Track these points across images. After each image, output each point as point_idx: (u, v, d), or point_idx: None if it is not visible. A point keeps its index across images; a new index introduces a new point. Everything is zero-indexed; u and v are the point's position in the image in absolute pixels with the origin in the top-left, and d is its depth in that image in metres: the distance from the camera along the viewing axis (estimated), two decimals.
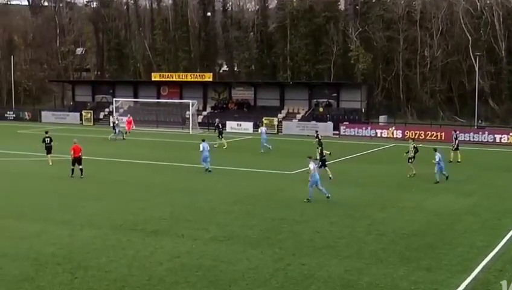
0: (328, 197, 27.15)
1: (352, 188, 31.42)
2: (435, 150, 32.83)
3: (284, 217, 24.48)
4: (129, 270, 17.91)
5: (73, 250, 19.89)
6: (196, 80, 71.21)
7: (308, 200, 27.04)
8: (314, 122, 62.33)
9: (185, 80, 71.58)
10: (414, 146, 35.50)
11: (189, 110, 65.04)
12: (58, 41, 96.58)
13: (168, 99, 71.65)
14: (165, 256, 19.27)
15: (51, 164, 38.28)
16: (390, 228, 22.77)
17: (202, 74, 74.08)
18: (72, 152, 34.22)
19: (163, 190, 30.65)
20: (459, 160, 40.60)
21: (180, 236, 21.61)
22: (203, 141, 36.49)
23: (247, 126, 63.29)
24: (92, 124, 71.23)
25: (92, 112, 72.92)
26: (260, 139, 47.30)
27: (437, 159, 32.26)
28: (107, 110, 73.83)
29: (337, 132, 59.68)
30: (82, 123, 71.62)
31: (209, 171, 35.81)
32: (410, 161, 35.07)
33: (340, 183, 31.91)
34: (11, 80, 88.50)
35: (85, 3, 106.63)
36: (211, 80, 71.20)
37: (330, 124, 61.10)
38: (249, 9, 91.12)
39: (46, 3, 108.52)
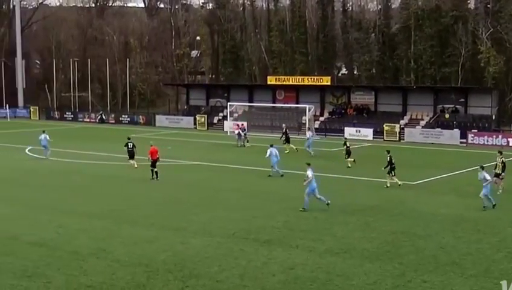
0: (328, 204, 27.44)
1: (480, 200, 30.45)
2: (482, 168, 28.63)
3: (405, 231, 24.06)
4: (241, 281, 18.13)
5: (185, 258, 20.36)
6: (313, 83, 71.16)
7: (303, 209, 27.20)
8: (439, 129, 61.03)
9: (302, 83, 71.70)
10: (503, 161, 32.08)
11: (305, 116, 65.06)
12: (173, 43, 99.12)
13: (284, 103, 71.89)
14: (278, 267, 19.38)
15: (136, 166, 39.44)
16: None
17: (320, 77, 73.91)
18: (150, 155, 36.05)
19: (278, 198, 30.82)
20: None
21: (294, 247, 21.68)
22: (271, 146, 37.22)
23: (367, 133, 62.66)
24: (206, 128, 72.53)
25: (206, 116, 74.23)
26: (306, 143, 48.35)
27: (480, 177, 28.39)
28: (221, 114, 75.04)
29: (465, 140, 58.02)
30: (196, 128, 73.09)
31: (281, 175, 36.92)
32: (500, 177, 31.78)
33: (466, 195, 31.07)
34: (126, 83, 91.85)
35: (201, 4, 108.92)
36: (329, 83, 70.90)
37: (457, 132, 59.52)
38: (371, 9, 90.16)
39: (162, 5, 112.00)
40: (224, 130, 68.68)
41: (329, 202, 27.39)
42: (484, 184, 28.15)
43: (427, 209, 27.47)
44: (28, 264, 19.73)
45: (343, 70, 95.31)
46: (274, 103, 73.49)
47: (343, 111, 70.48)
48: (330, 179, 36.40)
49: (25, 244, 22.00)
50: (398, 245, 22.04)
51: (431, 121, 64.86)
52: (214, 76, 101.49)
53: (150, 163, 36.22)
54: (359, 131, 63.42)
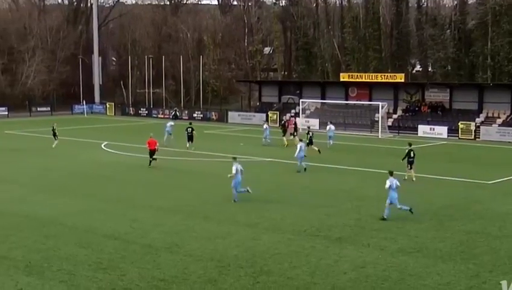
0: (247, 190, 28.33)
1: None
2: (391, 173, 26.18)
3: (480, 231, 23.62)
4: (312, 278, 18.14)
5: (256, 254, 20.49)
6: (387, 80, 70.38)
7: (235, 201, 28.16)
8: None
9: (375, 80, 70.98)
10: None
11: (378, 113, 64.45)
12: (246, 40, 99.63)
13: (357, 100, 71.39)
14: (349, 265, 19.31)
15: (192, 149, 45.51)
16: None
17: (393, 74, 73.06)
18: (148, 145, 39.99)
19: (350, 196, 30.66)
20: None
21: (365, 245, 21.55)
22: (301, 140, 38.82)
23: (441, 130, 61.58)
24: (278, 125, 72.55)
25: (278, 113, 74.32)
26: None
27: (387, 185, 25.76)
28: (293, 111, 74.95)
29: None
30: (268, 125, 73.14)
31: (304, 169, 37.38)
32: None
33: None
34: (200, 80, 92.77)
35: (274, 1, 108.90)
36: (402, 80, 69.98)
37: None
38: (446, 5, 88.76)
39: (235, 3, 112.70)
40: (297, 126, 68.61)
41: (249, 190, 28.47)
42: None
43: (503, 209, 26.88)
44: (103, 257, 20.21)
45: (418, 67, 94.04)
46: (347, 100, 72.94)
47: (416, 108, 69.39)
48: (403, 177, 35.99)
49: (101, 237, 22.51)
50: (473, 245, 21.65)
51: (508, 120, 63.21)
52: (286, 73, 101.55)
53: (149, 153, 39.79)
54: (433, 129, 62.38)
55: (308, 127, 50.92)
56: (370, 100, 70.31)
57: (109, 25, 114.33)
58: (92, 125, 71.64)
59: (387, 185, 25.35)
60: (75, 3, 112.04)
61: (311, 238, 22.42)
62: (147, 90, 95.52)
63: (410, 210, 25.59)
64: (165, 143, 47.75)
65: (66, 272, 18.69)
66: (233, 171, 27.78)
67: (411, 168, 35.43)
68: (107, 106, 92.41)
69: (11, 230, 23.72)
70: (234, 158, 28.85)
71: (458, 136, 59.97)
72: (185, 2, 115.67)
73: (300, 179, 35.47)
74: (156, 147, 40.03)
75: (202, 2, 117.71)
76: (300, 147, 37.32)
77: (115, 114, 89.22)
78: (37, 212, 26.77)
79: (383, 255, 20.45)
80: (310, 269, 18.95)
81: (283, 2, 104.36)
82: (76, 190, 32.21)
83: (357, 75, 73.70)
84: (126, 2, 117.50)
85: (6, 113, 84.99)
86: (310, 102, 72.71)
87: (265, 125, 54.00)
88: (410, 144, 37.26)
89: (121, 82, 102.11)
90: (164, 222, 24.91)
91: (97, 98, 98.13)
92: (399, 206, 25.37)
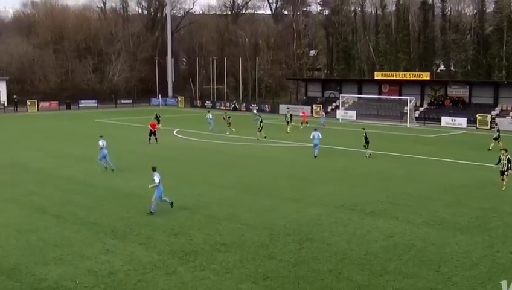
0: (171, 204, 22.40)
1: None
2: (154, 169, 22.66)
3: (495, 208, 23.15)
4: (348, 245, 18.10)
5: (302, 224, 20.51)
6: (414, 78, 69.52)
7: (151, 213, 21.73)
8: None
9: (404, 78, 70.13)
10: (508, 158, 26.74)
11: (407, 106, 63.69)
12: (294, 44, 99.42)
13: (388, 95, 70.68)
14: (380, 235, 19.20)
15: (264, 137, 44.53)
16: None
17: (420, 73, 72.17)
18: (150, 126, 42.74)
19: (381, 176, 30.38)
20: None
21: (394, 218, 21.38)
22: (315, 130, 37.18)
23: (461, 122, 60.55)
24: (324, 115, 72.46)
25: (321, 105, 74.10)
26: None
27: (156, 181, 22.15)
28: (334, 104, 74.69)
29: None
30: (312, 115, 73.02)
31: (315, 156, 35.97)
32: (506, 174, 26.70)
33: None
34: (255, 78, 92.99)
35: (318, 11, 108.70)
36: (428, 78, 69.06)
37: None
38: (467, 14, 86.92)
39: (286, 12, 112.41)
40: (337, 117, 68.31)
41: (172, 201, 22.53)
42: None
43: None
44: (175, 224, 20.49)
45: (441, 67, 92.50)
46: (380, 95, 72.24)
47: (440, 102, 68.33)
48: (429, 162, 35.57)
49: (174, 208, 22.71)
50: (488, 220, 21.27)
51: None
52: (328, 72, 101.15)
53: (149, 132, 42.41)
54: (454, 120, 61.37)
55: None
56: (400, 95, 69.50)
57: (180, 32, 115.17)
58: (166, 115, 72.33)
59: (156, 181, 21.86)
60: (153, 13, 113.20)
61: (348, 212, 22.34)
62: (211, 86, 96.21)
63: (171, 204, 22.36)
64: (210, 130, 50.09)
65: (144, 236, 19.03)
66: (156, 181, 21.88)
67: (368, 147, 36.82)
68: (179, 99, 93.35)
69: (101, 201, 24.22)
70: (154, 168, 22.43)
71: (476, 127, 58.88)
72: (243, 12, 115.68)
73: (336, 162, 35.31)
74: (157, 128, 43.18)
75: (258, 12, 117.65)
76: (313, 135, 36.54)
77: (184, 106, 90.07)
78: (122, 187, 27.27)
79: (410, 226, 20.26)
80: (347, 238, 18.91)
81: (326, 11, 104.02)
82: None
83: (389, 74, 72.92)
84: (195, 12, 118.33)
85: (96, 104, 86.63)
86: (348, 96, 72.37)
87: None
88: (363, 128, 38.43)
89: (190, 79, 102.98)
90: (224, 197, 25.10)
91: (170, 93, 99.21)
92: (164, 198, 22.11)
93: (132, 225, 20.40)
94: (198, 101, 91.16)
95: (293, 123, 53.40)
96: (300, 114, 59.26)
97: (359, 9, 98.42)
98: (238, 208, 22.92)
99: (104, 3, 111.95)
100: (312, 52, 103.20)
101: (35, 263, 16.45)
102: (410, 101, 63.30)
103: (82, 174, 30.64)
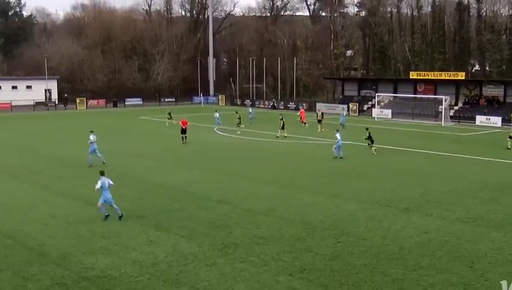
0: (120, 217, 20.17)
1: None
2: (102, 173, 20.70)
3: None
4: (383, 240, 17.93)
5: (338, 219, 20.40)
6: (450, 78, 68.37)
7: (105, 218, 20.17)
8: None
9: (440, 78, 69.06)
10: None
11: (442, 105, 62.70)
12: (331, 44, 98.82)
13: (423, 95, 69.71)
14: (414, 231, 18.96)
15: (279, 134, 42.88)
16: None
17: (455, 73, 70.86)
18: (181, 124, 41.81)
19: (416, 173, 29.97)
20: None
21: (429, 215, 21.08)
22: (337, 131, 35.66)
23: (496, 120, 59.27)
24: (357, 114, 71.86)
25: (357, 104, 73.62)
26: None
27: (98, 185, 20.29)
28: (370, 103, 74.05)
29: None
30: (349, 114, 72.55)
31: (334, 157, 34.41)
32: None
33: None
34: (293, 77, 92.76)
35: (355, 12, 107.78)
36: (463, 78, 67.83)
37: None
38: (503, 14, 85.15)
39: (323, 14, 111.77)
40: (372, 115, 67.72)
41: (121, 215, 20.23)
42: None
43: None
44: (216, 217, 20.60)
45: (476, 67, 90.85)
46: (415, 94, 71.27)
47: (475, 101, 67.08)
48: (464, 160, 34.98)
49: (214, 202, 22.93)
50: None
51: None
52: (364, 71, 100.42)
53: (181, 130, 41.45)
54: (489, 119, 60.12)
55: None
56: (435, 94, 68.47)
57: (222, 33, 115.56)
58: (207, 113, 72.75)
59: (98, 186, 20.09)
60: (195, 15, 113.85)
61: (383, 208, 22.12)
62: (250, 85, 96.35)
63: (120, 217, 20.16)
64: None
65: (186, 229, 19.17)
66: (97, 186, 20.02)
67: (372, 145, 36.17)
68: (219, 97, 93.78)
69: (146, 194, 24.51)
70: (102, 173, 20.48)
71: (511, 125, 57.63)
72: (282, 13, 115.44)
73: (374, 159, 34.96)
74: (187, 126, 41.70)
75: (296, 14, 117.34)
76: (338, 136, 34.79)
77: (225, 104, 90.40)
78: (166, 181, 27.52)
79: (444, 223, 19.95)
80: (382, 233, 18.73)
81: (363, 13, 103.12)
82: (195, 164, 32.90)
83: (424, 74, 71.95)
84: (235, 14, 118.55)
85: (141, 102, 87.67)
86: (384, 95, 71.62)
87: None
88: (367, 128, 37.51)
89: (231, 78, 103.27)
90: (262, 191, 25.12)
91: (211, 91, 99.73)
92: (115, 206, 20.25)
93: (175, 218, 20.58)
94: (238, 100, 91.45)
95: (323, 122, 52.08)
96: (298, 113, 56.54)
97: (395, 10, 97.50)
98: (276, 202, 22.90)
99: (149, 6, 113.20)
100: (349, 53, 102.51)
101: (83, 253, 16.74)
102: (445, 100, 62.32)
103: (129, 168, 31.05)
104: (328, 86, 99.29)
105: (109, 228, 19.28)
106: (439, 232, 18.85)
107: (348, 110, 73.03)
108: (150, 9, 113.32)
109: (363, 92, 78.44)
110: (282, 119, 45.65)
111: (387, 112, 67.29)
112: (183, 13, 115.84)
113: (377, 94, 70.84)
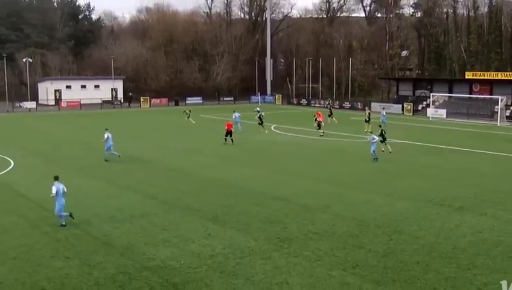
0: (70, 214, 19.12)
1: None
2: (56, 178, 19.35)
3: None
4: (436, 239, 17.57)
5: (391, 217, 20.11)
6: (506, 78, 66.16)
7: (63, 226, 18.81)
8: None
9: (496, 78, 67.02)
10: None
11: (498, 105, 60.86)
12: (387, 45, 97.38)
13: (479, 95, 67.81)
14: (468, 230, 18.49)
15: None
16: None
17: None
18: (226, 126, 39.77)
19: (471, 173, 29.21)
20: None
21: (483, 214, 20.50)
22: (371, 133, 34.86)
23: None
24: (411, 114, 70.60)
25: (412, 104, 72.32)
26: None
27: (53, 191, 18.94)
28: (424, 103, 72.63)
29: None
30: (403, 113, 71.39)
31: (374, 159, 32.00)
32: None
33: None
34: (349, 77, 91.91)
35: (411, 13, 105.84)
36: None
37: None
38: None
39: (379, 15, 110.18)
40: (427, 115, 66.38)
41: (70, 213, 19.14)
42: None
43: None
44: (271, 213, 20.63)
45: None
46: (470, 94, 69.41)
47: None
48: None
49: (269, 198, 22.97)
50: None
51: None
52: (419, 72, 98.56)
53: (225, 132, 39.40)
54: None
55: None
56: (491, 94, 66.51)
57: (279, 34, 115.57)
58: (265, 112, 72.94)
59: (53, 191, 18.80)
60: (254, 17, 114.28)
61: (436, 207, 21.66)
62: (306, 85, 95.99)
63: (70, 215, 19.16)
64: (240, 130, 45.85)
65: (242, 223, 19.29)
66: (53, 192, 18.77)
67: (385, 143, 35.15)
68: (276, 96, 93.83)
69: (203, 190, 24.78)
70: (56, 178, 19.20)
71: None
72: (338, 15, 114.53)
73: (426, 158, 34.26)
74: (232, 129, 39.85)
75: (352, 15, 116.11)
76: (372, 138, 32.98)
77: (282, 103, 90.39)
78: (223, 177, 27.72)
79: (498, 223, 19.37)
80: (435, 232, 18.35)
81: (419, 13, 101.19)
82: (251, 161, 33.05)
83: (480, 74, 70.00)
84: (292, 16, 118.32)
85: (201, 101, 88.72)
86: (438, 95, 70.07)
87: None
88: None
89: (287, 78, 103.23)
90: (317, 188, 25.00)
91: (269, 91, 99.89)
92: (63, 213, 19.01)
93: (231, 212, 20.73)
94: (294, 99, 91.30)
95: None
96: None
97: (451, 11, 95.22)
98: (330, 199, 22.75)
99: (210, 9, 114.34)
100: (404, 53, 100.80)
101: (145, 244, 17.08)
102: (502, 100, 60.48)
103: (188, 164, 31.47)
104: (382, 86, 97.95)
105: (169, 221, 19.60)
106: (493, 231, 18.32)
107: (403, 109, 71.83)
108: (210, 12, 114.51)
109: (418, 92, 76.96)
110: (316, 118, 45.90)
111: (442, 112, 65.84)
112: (242, 15, 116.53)
113: (431, 94, 69.39)
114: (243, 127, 47.29)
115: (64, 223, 18.95)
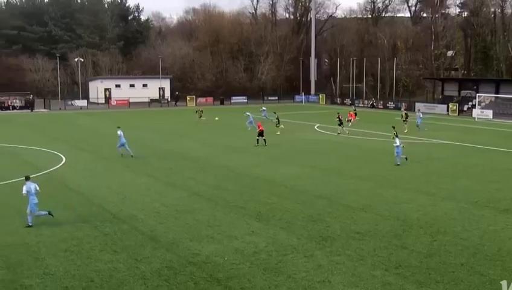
0: (30, 226, 18.36)
1: None
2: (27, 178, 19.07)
3: None
4: (481, 241, 17.17)
5: (435, 217, 19.75)
6: None
7: (29, 226, 18.32)
8: None
9: None
10: None
11: None
12: (432, 45, 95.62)
13: None
14: None
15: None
16: None
17: None
18: (258, 127, 39.12)
19: None
20: None
21: None
22: (396, 136, 31.94)
23: None
24: (456, 114, 69.23)
25: (457, 104, 70.89)
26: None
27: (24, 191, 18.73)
28: (470, 103, 71.06)
29: None
30: (448, 114, 70.06)
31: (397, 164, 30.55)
32: None
33: None
34: (393, 77, 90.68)
35: (457, 13, 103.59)
36: None
37: None
38: None
39: (424, 15, 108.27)
40: (472, 116, 64.92)
41: (49, 211, 19.04)
42: None
43: None
44: (313, 212, 20.55)
45: None
46: None
47: None
48: None
49: (312, 196, 22.88)
50: None
51: None
52: (465, 72, 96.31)
53: (258, 133, 38.52)
54: None
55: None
56: None
57: (323, 34, 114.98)
58: (308, 111, 72.80)
59: (24, 191, 18.56)
60: (299, 17, 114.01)
61: (481, 208, 21.16)
62: (350, 85, 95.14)
63: (49, 213, 18.93)
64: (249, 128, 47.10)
65: (285, 221, 19.27)
66: (23, 192, 18.53)
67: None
68: (320, 96, 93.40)
69: (247, 188, 24.86)
70: (27, 177, 18.98)
71: None
72: (383, 15, 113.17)
73: (471, 158, 33.49)
74: (263, 128, 38.50)
75: (397, 15, 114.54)
76: (397, 141, 31.38)
77: (325, 103, 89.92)
78: (266, 175, 27.76)
79: None
80: (479, 233, 17.93)
81: (465, 13, 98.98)
82: (295, 160, 32.95)
83: None
84: (337, 16, 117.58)
85: (246, 100, 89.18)
86: (484, 96, 68.40)
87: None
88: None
89: (331, 78, 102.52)
90: (359, 188, 24.76)
91: (313, 90, 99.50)
92: (41, 212, 18.80)
93: (274, 210, 20.74)
94: (338, 99, 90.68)
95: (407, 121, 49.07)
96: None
97: (499, 10, 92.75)
98: (373, 199, 22.51)
99: (255, 9, 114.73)
100: (449, 53, 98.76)
101: (190, 240, 17.25)
102: None
103: (232, 162, 31.63)
104: (427, 86, 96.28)
105: (214, 217, 19.74)
106: None
107: (448, 110, 70.50)
108: (256, 12, 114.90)
109: (464, 93, 75.35)
110: (338, 117, 45.33)
111: (488, 113, 64.30)
112: (287, 16, 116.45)
113: (477, 94, 67.80)
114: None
115: (30, 224, 18.39)
